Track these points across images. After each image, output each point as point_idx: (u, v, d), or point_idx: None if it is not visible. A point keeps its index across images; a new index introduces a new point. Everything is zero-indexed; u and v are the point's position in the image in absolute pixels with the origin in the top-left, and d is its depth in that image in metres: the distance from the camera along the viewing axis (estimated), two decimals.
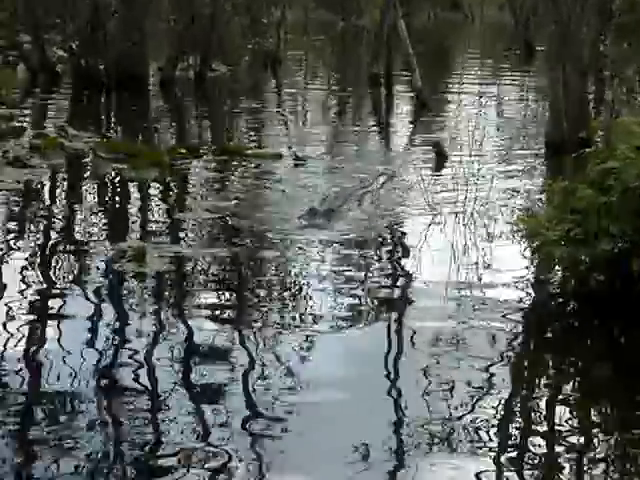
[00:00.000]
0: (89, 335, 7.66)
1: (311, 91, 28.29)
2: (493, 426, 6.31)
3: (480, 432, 6.18)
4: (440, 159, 15.73)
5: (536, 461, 5.95)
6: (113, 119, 21.75)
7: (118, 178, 13.98)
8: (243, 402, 6.52)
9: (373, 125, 21.72)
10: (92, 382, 6.77)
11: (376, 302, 8.73)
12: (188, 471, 5.59)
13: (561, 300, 9.06)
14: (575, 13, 16.58)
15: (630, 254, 8.56)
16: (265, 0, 35.24)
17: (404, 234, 11.33)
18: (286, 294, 8.91)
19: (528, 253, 9.46)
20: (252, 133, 19.04)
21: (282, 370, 7.06)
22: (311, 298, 8.78)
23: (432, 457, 5.88)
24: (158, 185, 13.76)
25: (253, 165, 15.22)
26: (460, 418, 6.36)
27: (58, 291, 8.79)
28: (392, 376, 7.14)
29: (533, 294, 9.12)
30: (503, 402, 6.72)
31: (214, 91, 26.81)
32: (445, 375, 7.09)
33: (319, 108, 24.34)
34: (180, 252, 10.01)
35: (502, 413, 6.56)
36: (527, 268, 9.62)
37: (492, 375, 7.15)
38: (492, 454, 5.94)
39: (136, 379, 6.85)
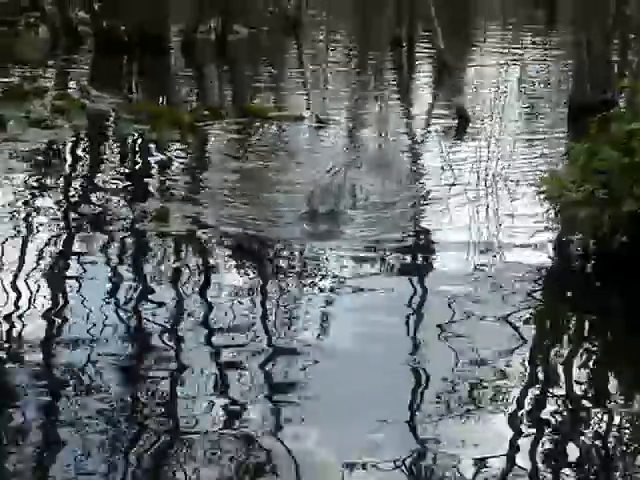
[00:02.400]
0: (110, 296, 7.71)
1: (332, 53, 28.14)
2: (513, 385, 6.33)
3: (501, 389, 6.21)
4: (462, 123, 15.66)
5: (555, 419, 5.97)
6: (135, 81, 21.70)
7: (141, 139, 13.98)
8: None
9: (394, 88, 21.61)
10: (115, 337, 6.85)
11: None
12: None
13: (583, 261, 9.04)
14: None
15: None
16: None
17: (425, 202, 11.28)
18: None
19: (551, 214, 9.38)
20: (274, 95, 18.98)
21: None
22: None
23: (453, 412, 5.93)
24: (181, 146, 13.76)
25: (275, 127, 15.23)
26: (480, 376, 6.39)
27: (80, 251, 8.85)
28: (413, 333, 7.20)
29: (555, 255, 9.12)
30: (522, 360, 6.75)
31: (235, 54, 26.68)
32: (465, 333, 7.12)
33: (340, 71, 24.22)
34: (202, 213, 10.04)
35: (522, 371, 6.59)
36: (549, 229, 9.57)
37: (511, 334, 7.17)
38: (512, 412, 5.97)
39: (158, 337, 6.92)
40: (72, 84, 18.75)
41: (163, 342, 6.84)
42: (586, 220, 8.86)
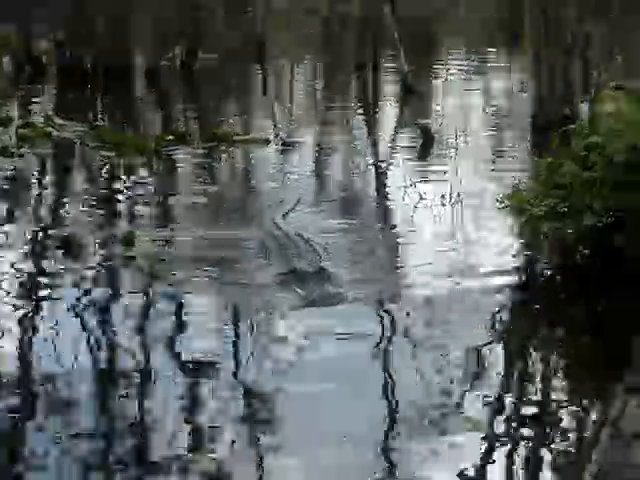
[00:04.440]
0: (78, 319, 7.73)
1: (297, 78, 28.28)
2: (482, 397, 6.38)
3: (468, 402, 6.26)
4: (427, 141, 15.77)
5: (524, 432, 6.01)
6: (99, 108, 21.70)
7: (106, 165, 13.98)
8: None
9: (360, 110, 21.74)
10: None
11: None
12: None
13: (547, 275, 9.14)
14: None
15: (614, 229, 8.65)
16: None
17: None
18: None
19: (515, 229, 9.47)
20: (240, 120, 19.04)
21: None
22: None
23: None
24: (145, 171, 13.78)
25: (240, 151, 15.30)
26: (447, 391, 6.45)
27: (48, 276, 8.85)
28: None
29: (519, 269, 9.18)
30: (487, 372, 6.80)
31: (200, 80, 26.76)
32: (431, 349, 7.19)
33: (306, 94, 24.35)
34: (168, 236, 10.07)
35: (488, 383, 6.64)
36: (513, 244, 9.66)
37: (479, 348, 7.23)
38: (479, 423, 6.01)
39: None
40: (37, 113, 18.69)
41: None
42: (549, 234, 8.98)
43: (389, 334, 7.57)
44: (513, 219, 9.39)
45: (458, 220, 10.92)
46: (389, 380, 6.67)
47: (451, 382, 6.62)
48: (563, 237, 8.92)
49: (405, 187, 12.57)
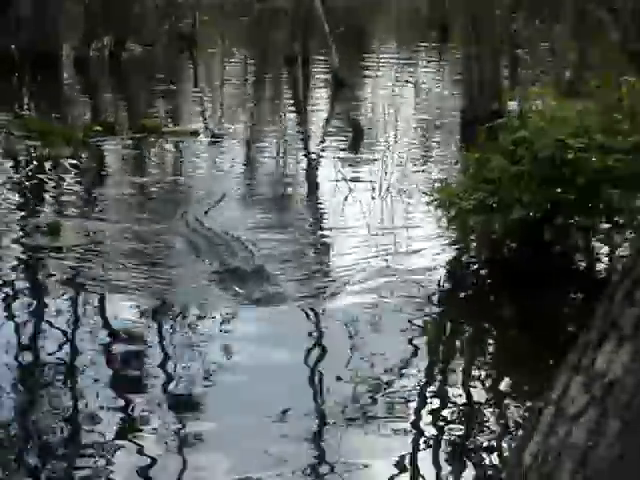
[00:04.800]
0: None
1: (227, 71, 28.15)
2: (408, 394, 6.36)
3: (396, 399, 6.25)
4: (357, 135, 15.77)
5: (451, 427, 6.02)
6: (26, 98, 21.36)
7: (31, 155, 13.76)
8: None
9: (289, 103, 21.69)
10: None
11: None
12: None
13: (475, 268, 9.18)
14: None
15: (541, 222, 8.72)
16: None
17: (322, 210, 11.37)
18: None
19: (444, 223, 9.49)
20: (169, 112, 18.87)
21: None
22: None
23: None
24: (72, 162, 13.59)
25: (169, 142, 15.17)
26: (376, 387, 6.44)
27: None
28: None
29: (448, 263, 9.21)
30: (415, 369, 6.80)
31: (129, 71, 26.51)
32: (360, 344, 7.18)
33: (235, 87, 24.23)
34: (94, 227, 9.93)
35: (416, 379, 6.63)
36: (441, 237, 9.68)
37: (407, 342, 7.23)
38: (408, 422, 6.00)
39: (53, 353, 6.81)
40: None
41: None
42: (476, 228, 9.02)
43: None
44: (442, 213, 9.41)
45: (387, 214, 10.91)
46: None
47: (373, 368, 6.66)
48: (491, 231, 8.98)
49: (334, 181, 12.55)
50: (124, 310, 7.69)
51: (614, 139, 8.87)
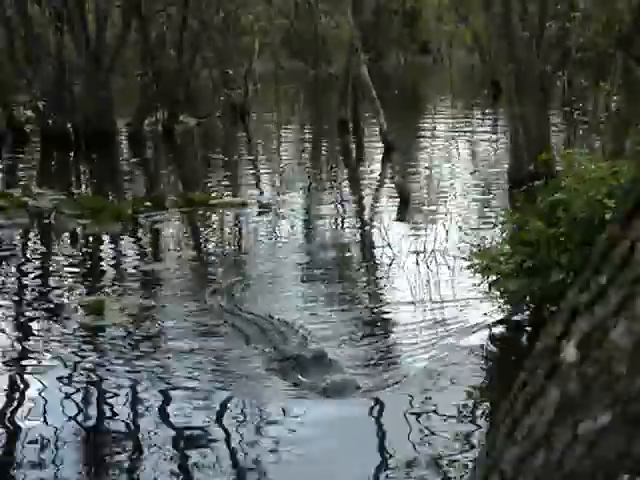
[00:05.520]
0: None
1: (279, 139, 28.44)
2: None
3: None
4: (404, 202, 15.78)
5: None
6: (80, 176, 21.76)
7: (81, 234, 13.98)
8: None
9: (339, 171, 21.82)
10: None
11: None
12: None
13: (518, 332, 9.09)
14: (531, 49, 16.81)
15: None
16: (235, 51, 35.43)
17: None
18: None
19: (485, 288, 9.43)
20: (220, 184, 19.08)
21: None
22: None
23: None
24: (121, 239, 13.79)
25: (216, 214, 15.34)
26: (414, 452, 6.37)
27: (22, 346, 8.78)
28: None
29: (491, 327, 9.11)
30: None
31: (182, 144, 26.93)
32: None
33: (287, 156, 24.46)
34: (139, 304, 10.02)
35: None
36: (483, 302, 9.62)
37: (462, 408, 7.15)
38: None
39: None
40: (17, 183, 18.75)
41: None
42: (516, 292, 8.96)
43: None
44: (481, 277, 9.36)
45: (432, 280, 10.87)
46: None
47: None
48: (531, 294, 8.92)
49: (379, 248, 12.57)
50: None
51: None
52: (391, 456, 6.31)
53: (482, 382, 7.89)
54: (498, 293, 9.27)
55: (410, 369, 7.94)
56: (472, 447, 6.44)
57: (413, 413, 7.04)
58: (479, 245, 10.56)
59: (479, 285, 9.46)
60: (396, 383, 7.54)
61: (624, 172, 8.88)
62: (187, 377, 7.75)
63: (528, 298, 9.06)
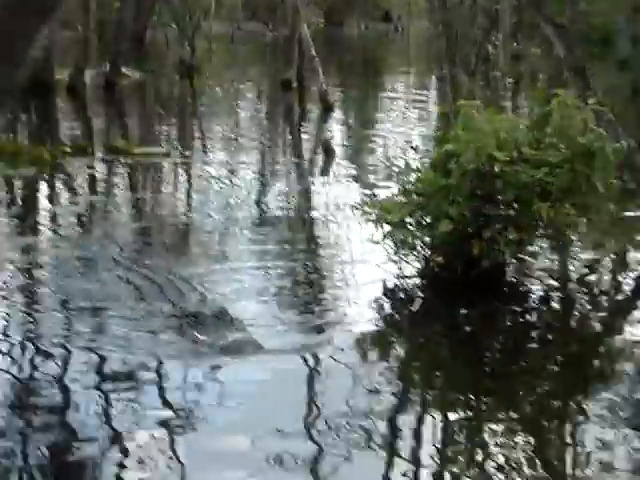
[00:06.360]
0: None
1: (222, 96, 28.27)
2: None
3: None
4: (328, 156, 15.77)
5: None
6: (13, 124, 21.47)
7: None
8: None
9: (272, 129, 21.73)
10: None
11: None
12: None
13: (408, 282, 9.06)
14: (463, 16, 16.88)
15: (470, 237, 8.63)
16: (187, 8, 35.00)
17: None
18: None
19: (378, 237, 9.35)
20: (148, 135, 18.94)
21: None
22: None
23: None
24: (38, 181, 13.68)
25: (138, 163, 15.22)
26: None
27: None
28: None
29: (381, 277, 9.08)
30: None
31: (122, 96, 26.67)
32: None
33: (224, 111, 24.32)
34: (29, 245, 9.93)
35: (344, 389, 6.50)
36: (376, 252, 9.57)
37: (338, 352, 7.12)
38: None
39: None
40: None
41: None
42: (406, 242, 8.94)
43: None
44: (376, 227, 9.29)
45: (339, 232, 10.87)
46: None
47: None
48: (422, 244, 8.92)
49: (294, 201, 12.57)
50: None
51: (543, 152, 8.79)
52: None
53: (374, 330, 7.82)
54: (392, 244, 9.23)
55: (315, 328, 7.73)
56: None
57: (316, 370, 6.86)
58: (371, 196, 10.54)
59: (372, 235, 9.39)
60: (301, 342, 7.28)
61: (505, 126, 8.87)
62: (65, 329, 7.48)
63: (419, 248, 9.04)
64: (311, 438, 5.71)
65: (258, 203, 12.64)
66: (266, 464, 5.38)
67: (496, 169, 8.59)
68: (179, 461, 5.41)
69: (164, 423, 5.85)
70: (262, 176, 14.82)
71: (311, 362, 6.96)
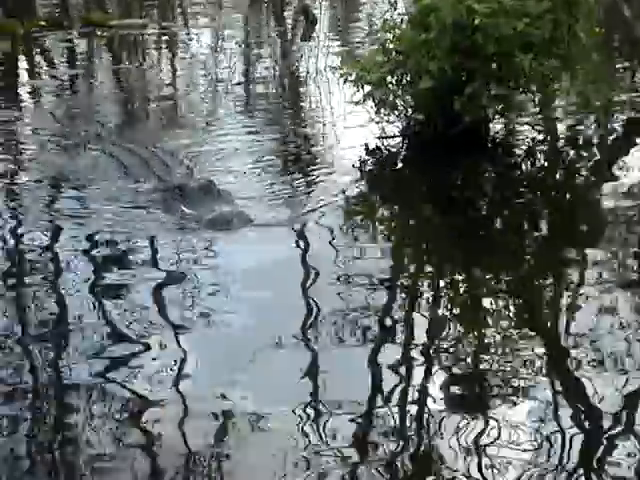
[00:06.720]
0: None
1: None
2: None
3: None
4: (309, 22, 15.48)
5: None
6: None
7: None
8: None
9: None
10: None
11: None
12: None
13: (390, 142, 8.94)
14: None
15: (452, 94, 8.46)
16: None
17: None
18: None
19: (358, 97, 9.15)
20: (125, 6, 18.48)
21: None
22: None
23: None
24: (12, 56, 13.44)
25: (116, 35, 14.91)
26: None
27: None
28: None
29: (363, 138, 8.96)
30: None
31: None
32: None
33: None
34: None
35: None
36: (358, 113, 9.40)
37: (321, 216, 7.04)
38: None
39: None
40: None
41: None
42: (387, 101, 8.79)
43: None
44: (355, 88, 9.09)
45: (323, 96, 10.70)
46: None
47: None
48: (402, 103, 8.77)
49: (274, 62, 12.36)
50: None
51: (524, 2, 8.55)
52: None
53: (356, 192, 7.73)
54: (373, 104, 9.06)
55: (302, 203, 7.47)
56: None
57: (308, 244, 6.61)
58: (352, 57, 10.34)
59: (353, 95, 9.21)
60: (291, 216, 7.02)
61: None
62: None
63: (400, 107, 8.89)
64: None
65: (241, 73, 12.42)
66: None
67: (476, 22, 8.38)
68: None
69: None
70: (246, 46, 14.51)
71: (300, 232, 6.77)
